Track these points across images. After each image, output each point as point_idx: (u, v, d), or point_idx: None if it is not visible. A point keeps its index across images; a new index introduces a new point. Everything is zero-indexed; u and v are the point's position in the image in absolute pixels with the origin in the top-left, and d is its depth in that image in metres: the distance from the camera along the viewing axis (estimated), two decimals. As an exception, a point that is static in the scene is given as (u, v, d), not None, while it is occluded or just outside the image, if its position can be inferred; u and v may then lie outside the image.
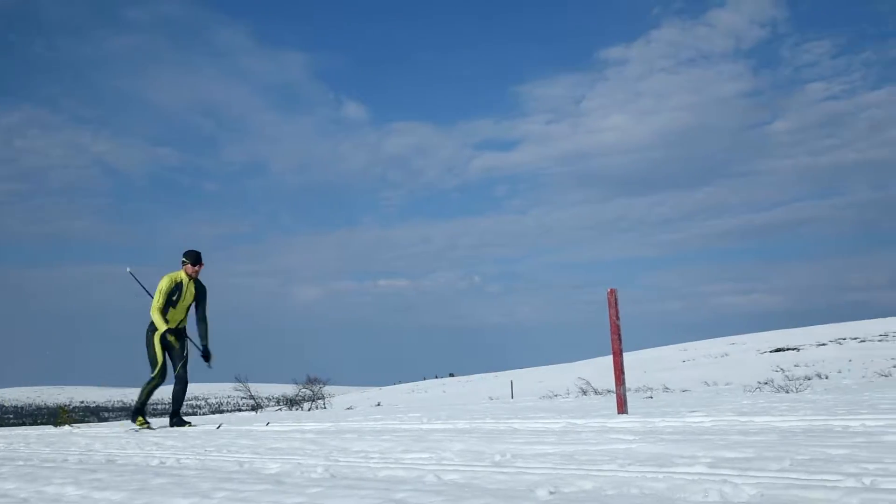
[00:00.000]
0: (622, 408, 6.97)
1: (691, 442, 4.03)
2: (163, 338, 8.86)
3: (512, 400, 20.78)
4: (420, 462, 3.78)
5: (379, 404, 26.43)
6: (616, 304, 7.10)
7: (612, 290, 7.13)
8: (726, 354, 48.74)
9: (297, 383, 25.68)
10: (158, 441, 6.42)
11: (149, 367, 8.91)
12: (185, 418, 9.48)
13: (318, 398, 24.63)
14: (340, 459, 4.09)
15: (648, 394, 15.56)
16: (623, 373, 7.11)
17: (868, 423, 4.70)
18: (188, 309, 9.20)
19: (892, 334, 46.22)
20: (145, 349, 8.94)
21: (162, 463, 4.51)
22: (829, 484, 2.52)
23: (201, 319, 9.21)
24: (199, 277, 9.29)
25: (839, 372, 26.19)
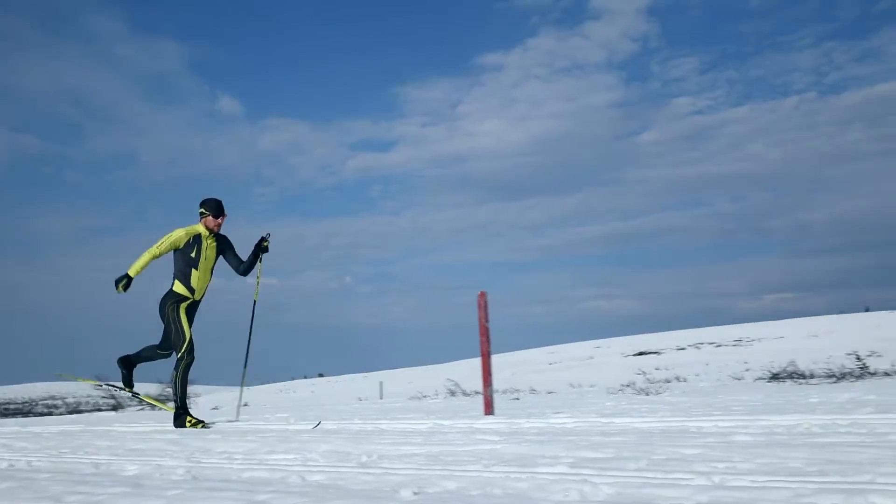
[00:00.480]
0: (489, 409, 7.06)
1: (554, 442, 4.12)
2: (185, 309, 7.30)
3: (381, 400, 20.76)
4: (285, 463, 3.74)
5: (246, 404, 25.94)
6: (486, 306, 7.18)
7: (482, 293, 7.21)
8: (592, 357, 49.98)
9: (161, 383, 25.00)
10: (8, 443, 6.13)
11: (171, 350, 7.39)
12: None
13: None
14: (203, 461, 4.00)
15: (515, 395, 15.79)
16: (491, 374, 7.21)
17: (720, 423, 4.90)
18: (212, 271, 7.57)
19: (745, 340, 48.37)
20: (163, 325, 7.34)
21: (11, 466, 4.31)
22: (681, 482, 2.62)
23: (240, 267, 7.63)
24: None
25: (697, 375, 27.21)
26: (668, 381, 19.56)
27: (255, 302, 8.02)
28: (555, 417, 6.02)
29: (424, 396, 20.37)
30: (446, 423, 6.01)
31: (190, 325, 7.30)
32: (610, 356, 49.03)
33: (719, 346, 47.07)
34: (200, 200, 7.55)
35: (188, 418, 7.15)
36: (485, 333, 7.15)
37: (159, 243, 7.27)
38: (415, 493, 2.65)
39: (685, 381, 21.00)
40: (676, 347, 48.93)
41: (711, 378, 24.24)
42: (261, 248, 7.75)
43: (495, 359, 7.67)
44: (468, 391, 18.37)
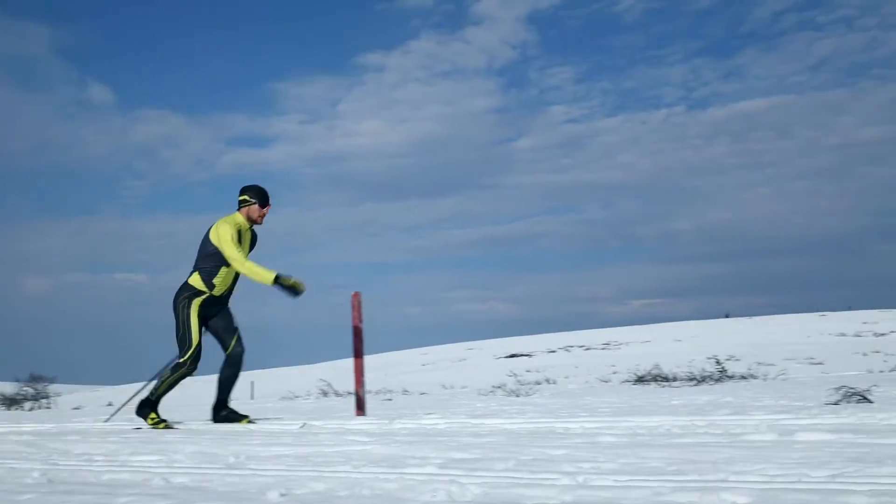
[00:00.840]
0: (361, 410, 7.05)
1: (424, 443, 4.14)
2: (199, 307, 6.40)
3: (252, 400, 20.45)
4: (148, 465, 3.63)
5: (110, 404, 25.09)
6: (360, 307, 7.17)
7: (355, 293, 7.20)
8: (464, 359, 50.54)
9: (18, 381, 23.89)
10: None
11: (176, 349, 6.53)
12: (240, 411, 6.73)
13: (42, 397, 23.03)
14: (60, 463, 3.84)
15: (388, 396, 15.82)
16: (363, 375, 7.20)
17: (587, 425, 5.03)
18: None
19: (613, 343, 49.85)
20: (176, 324, 6.46)
21: None
22: (547, 482, 2.67)
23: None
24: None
25: (566, 377, 27.88)
26: (539, 383, 19.98)
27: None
28: (426, 418, 6.06)
29: (296, 396, 20.16)
30: (317, 423, 5.96)
31: (201, 329, 6.43)
32: (482, 358, 49.67)
33: (588, 349, 48.37)
34: (242, 187, 6.57)
35: (151, 414, 6.43)
36: (358, 334, 7.14)
37: (233, 246, 6.29)
38: (282, 495, 2.61)
39: (555, 383, 21.49)
40: (547, 350, 50.04)
41: (580, 380, 24.88)
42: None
43: (369, 359, 7.66)
44: (341, 392, 18.29)
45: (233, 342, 6.52)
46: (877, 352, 33.19)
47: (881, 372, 19.41)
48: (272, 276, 6.19)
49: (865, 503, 2.12)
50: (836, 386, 7.52)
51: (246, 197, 6.52)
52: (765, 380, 16.10)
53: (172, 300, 6.47)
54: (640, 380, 16.35)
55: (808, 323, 52.33)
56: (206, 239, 6.44)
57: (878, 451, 3.18)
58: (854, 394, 6.75)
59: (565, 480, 2.69)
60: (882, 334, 43.59)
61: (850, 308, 59.74)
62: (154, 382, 6.56)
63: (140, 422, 6.55)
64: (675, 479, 2.62)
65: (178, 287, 6.49)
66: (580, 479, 2.71)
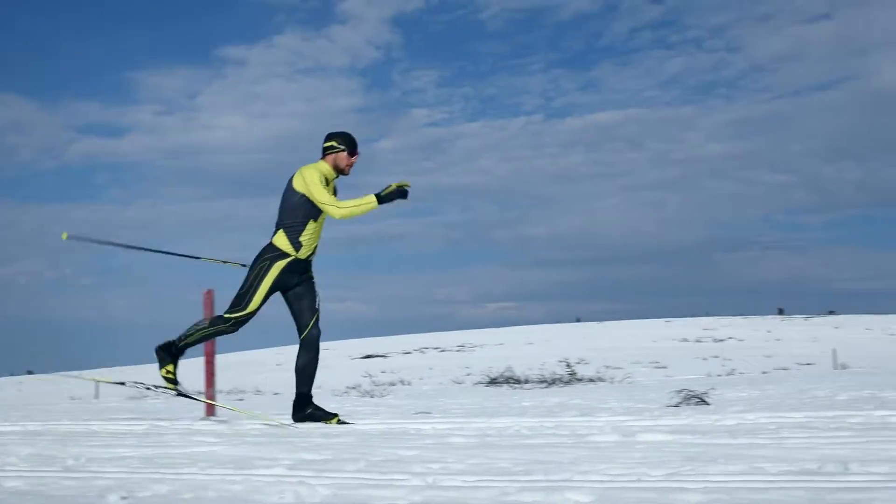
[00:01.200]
0: (211, 410, 6.89)
1: (274, 444, 4.08)
2: (280, 273, 5.65)
3: (96, 400, 19.66)
4: (-23, 467, 3.44)
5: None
6: (212, 304, 7.01)
7: (208, 290, 7.04)
8: (320, 359, 50.12)
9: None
10: None
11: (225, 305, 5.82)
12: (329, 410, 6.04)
13: None
14: None
15: (240, 396, 15.54)
16: (214, 375, 7.05)
17: (438, 426, 5.08)
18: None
19: (468, 346, 50.48)
20: (247, 275, 5.73)
21: None
22: (397, 483, 2.68)
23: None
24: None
25: (420, 379, 28.05)
26: (393, 384, 20.05)
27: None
28: (277, 419, 5.98)
29: (145, 396, 19.51)
30: (164, 423, 5.79)
31: (267, 297, 5.68)
32: (337, 358, 49.41)
33: (443, 351, 48.83)
34: (328, 133, 5.88)
35: (169, 366, 5.88)
36: (210, 332, 6.97)
37: (321, 192, 5.58)
38: (123, 498, 2.52)
39: (409, 384, 21.60)
40: (402, 351, 50.22)
41: (434, 382, 25.09)
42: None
43: (222, 358, 7.51)
44: (191, 392, 17.81)
45: (311, 324, 5.83)
46: (716, 356, 34.86)
47: (719, 375, 20.45)
48: (374, 199, 5.57)
49: (698, 500, 2.22)
50: (678, 389, 7.85)
51: (333, 143, 5.80)
52: (612, 383, 16.69)
53: (252, 261, 5.75)
54: (493, 382, 16.63)
55: (653, 328, 54.42)
56: (290, 188, 5.70)
57: (711, 450, 3.34)
58: (693, 396, 7.07)
59: (415, 481, 2.70)
60: (721, 340, 45.85)
61: (692, 315, 62.50)
62: (187, 329, 5.80)
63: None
64: (522, 479, 2.67)
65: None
66: (429, 479, 2.73)
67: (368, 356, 48.40)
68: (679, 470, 2.76)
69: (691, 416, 5.24)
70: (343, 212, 5.57)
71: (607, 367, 24.25)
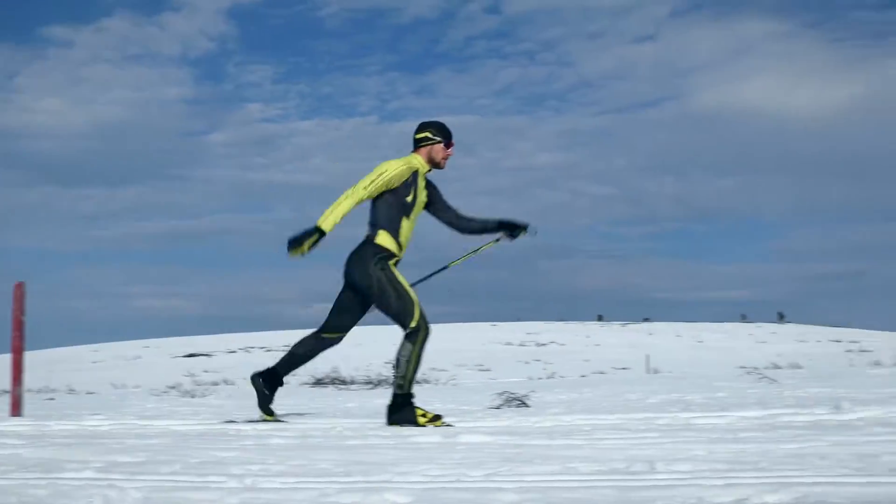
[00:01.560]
0: (16, 410, 6.52)
1: (84, 446, 3.91)
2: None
3: None
4: None
5: None
6: (22, 298, 6.65)
7: (19, 283, 6.68)
8: (139, 357, 48.35)
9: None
10: None
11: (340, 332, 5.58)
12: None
13: None
14: None
15: (51, 395, 14.79)
16: (22, 372, 6.67)
17: (259, 426, 5.00)
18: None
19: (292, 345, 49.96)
20: (378, 296, 5.15)
21: None
22: (213, 485, 2.62)
23: (462, 218, 5.58)
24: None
25: (245, 378, 27.54)
26: (216, 384, 19.57)
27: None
28: (90, 419, 5.72)
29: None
30: (-37, 424, 5.43)
31: (411, 285, 5.24)
32: (159, 356, 47.83)
33: (269, 350, 48.09)
34: (421, 123, 5.44)
35: (419, 411, 5.06)
36: (19, 328, 6.62)
37: (371, 181, 5.10)
38: None
39: (234, 384, 21.15)
40: (227, 350, 49.15)
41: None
42: (518, 231, 5.65)
43: (32, 355, 7.12)
44: (-4, 390, 16.78)
45: (340, 334, 5.57)
46: (538, 360, 36.04)
47: (540, 379, 21.11)
48: (325, 224, 5.04)
49: (512, 499, 2.28)
50: (500, 391, 8.04)
51: (427, 134, 5.35)
52: (436, 385, 16.92)
53: (352, 269, 5.25)
54: (319, 382, 16.53)
55: (480, 332, 55.61)
56: None
57: (528, 451, 3.44)
58: (514, 399, 7.26)
59: (233, 483, 2.65)
60: (543, 344, 47.41)
61: (518, 319, 64.23)
62: (397, 371, 5.15)
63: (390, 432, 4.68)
64: (342, 481, 2.67)
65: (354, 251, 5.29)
66: (248, 481, 2.68)
67: (191, 355, 47.09)
68: (497, 470, 2.82)
69: (511, 418, 5.37)
70: (340, 205, 5.10)
71: (433, 369, 24.55)
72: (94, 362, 47.30)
